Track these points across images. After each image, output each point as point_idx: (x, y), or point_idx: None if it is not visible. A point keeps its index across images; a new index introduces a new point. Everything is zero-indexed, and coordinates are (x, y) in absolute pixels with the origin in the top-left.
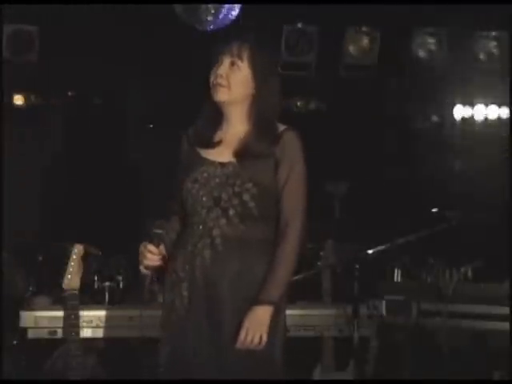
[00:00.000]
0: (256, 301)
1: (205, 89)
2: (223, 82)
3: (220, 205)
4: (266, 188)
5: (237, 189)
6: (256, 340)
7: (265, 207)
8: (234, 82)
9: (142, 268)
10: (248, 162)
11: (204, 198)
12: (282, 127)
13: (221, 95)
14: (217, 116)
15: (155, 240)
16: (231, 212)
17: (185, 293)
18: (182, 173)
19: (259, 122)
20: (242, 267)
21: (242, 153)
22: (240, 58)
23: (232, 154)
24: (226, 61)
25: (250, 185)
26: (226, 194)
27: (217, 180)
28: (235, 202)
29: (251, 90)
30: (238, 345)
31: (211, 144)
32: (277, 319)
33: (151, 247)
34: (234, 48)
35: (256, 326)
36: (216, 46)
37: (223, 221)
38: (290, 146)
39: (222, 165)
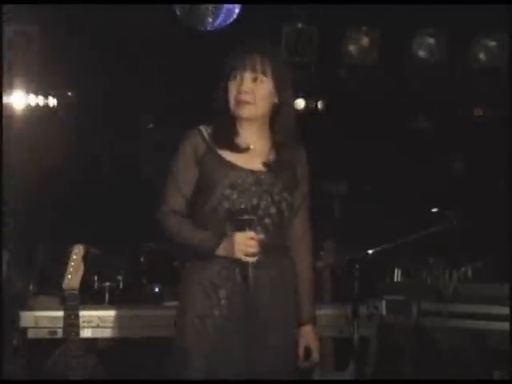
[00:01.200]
0: (304, 320)
1: (218, 99)
2: (249, 98)
3: (257, 213)
4: (293, 199)
5: (276, 197)
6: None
7: (290, 217)
8: (260, 98)
9: (247, 258)
10: (278, 173)
11: (242, 206)
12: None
13: (247, 112)
14: (233, 123)
15: (246, 227)
16: (267, 220)
17: (223, 301)
18: (199, 174)
19: (284, 133)
20: (277, 273)
21: (272, 165)
22: (264, 72)
23: (261, 163)
24: (249, 76)
25: (286, 194)
26: (264, 202)
27: (253, 188)
28: (273, 210)
29: (273, 102)
30: (312, 365)
31: (238, 149)
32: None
33: (252, 234)
34: (258, 63)
35: (317, 344)
36: (230, 59)
37: (259, 228)
38: (307, 168)
39: (253, 172)
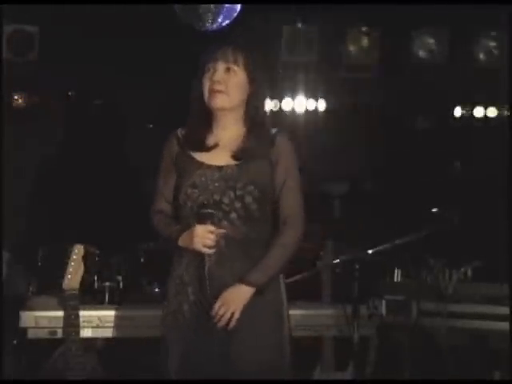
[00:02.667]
0: (240, 279)
1: (193, 94)
2: (222, 87)
3: (221, 208)
4: (265, 190)
5: (239, 192)
6: (227, 315)
7: (264, 208)
8: (232, 88)
9: (205, 249)
10: (246, 165)
11: (205, 203)
12: (273, 130)
13: (220, 102)
14: (207, 119)
15: (208, 220)
16: (233, 215)
17: (191, 297)
18: (176, 175)
19: (255, 125)
20: (246, 268)
21: (241, 155)
22: (236, 62)
23: (230, 156)
24: (221, 66)
25: (251, 187)
26: (227, 198)
27: (216, 184)
28: (238, 205)
29: (246, 93)
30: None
31: (206, 147)
32: (281, 320)
33: (211, 227)
34: (229, 53)
35: (231, 302)
36: (204, 55)
37: (225, 223)
38: (284, 149)
39: (220, 168)
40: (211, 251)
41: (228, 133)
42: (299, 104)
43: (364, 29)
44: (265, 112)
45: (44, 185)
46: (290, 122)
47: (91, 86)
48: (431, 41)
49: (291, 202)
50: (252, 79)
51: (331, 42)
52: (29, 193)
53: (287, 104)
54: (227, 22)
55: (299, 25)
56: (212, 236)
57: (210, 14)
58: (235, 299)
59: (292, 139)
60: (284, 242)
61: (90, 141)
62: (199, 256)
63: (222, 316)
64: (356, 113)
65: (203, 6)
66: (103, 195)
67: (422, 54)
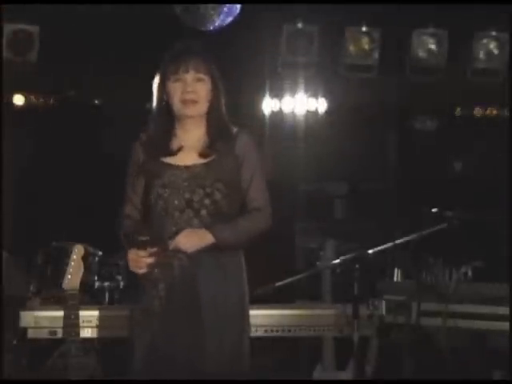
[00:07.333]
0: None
1: (157, 100)
2: (195, 97)
3: (192, 206)
4: (232, 185)
5: (208, 189)
6: (186, 245)
7: (232, 203)
8: (203, 97)
9: (137, 271)
10: (213, 163)
11: (176, 202)
12: (235, 128)
13: (193, 110)
14: (171, 124)
15: (141, 247)
16: (203, 212)
17: (162, 293)
18: (144, 180)
19: (217, 126)
20: (215, 262)
21: (206, 154)
22: (206, 73)
23: (197, 156)
24: (193, 76)
25: (219, 184)
26: (197, 196)
27: (185, 183)
28: (207, 202)
29: (210, 99)
30: (175, 241)
31: (172, 152)
32: (243, 318)
33: (141, 252)
34: (201, 64)
35: (193, 236)
36: (170, 62)
37: (195, 221)
38: (248, 146)
39: (188, 168)
40: (143, 271)
41: (191, 135)
42: (299, 104)
43: (364, 29)
44: (225, 114)
45: (44, 184)
46: (290, 122)
47: (91, 86)
48: (431, 41)
49: (260, 196)
50: (215, 86)
51: (331, 42)
52: (29, 193)
53: (287, 104)
54: (227, 22)
55: (299, 25)
56: (144, 259)
57: (209, 14)
58: (197, 236)
59: (253, 136)
60: (251, 219)
61: (90, 141)
62: (168, 258)
63: (182, 243)
64: (356, 113)
65: (203, 6)
66: (103, 195)
67: (421, 54)
